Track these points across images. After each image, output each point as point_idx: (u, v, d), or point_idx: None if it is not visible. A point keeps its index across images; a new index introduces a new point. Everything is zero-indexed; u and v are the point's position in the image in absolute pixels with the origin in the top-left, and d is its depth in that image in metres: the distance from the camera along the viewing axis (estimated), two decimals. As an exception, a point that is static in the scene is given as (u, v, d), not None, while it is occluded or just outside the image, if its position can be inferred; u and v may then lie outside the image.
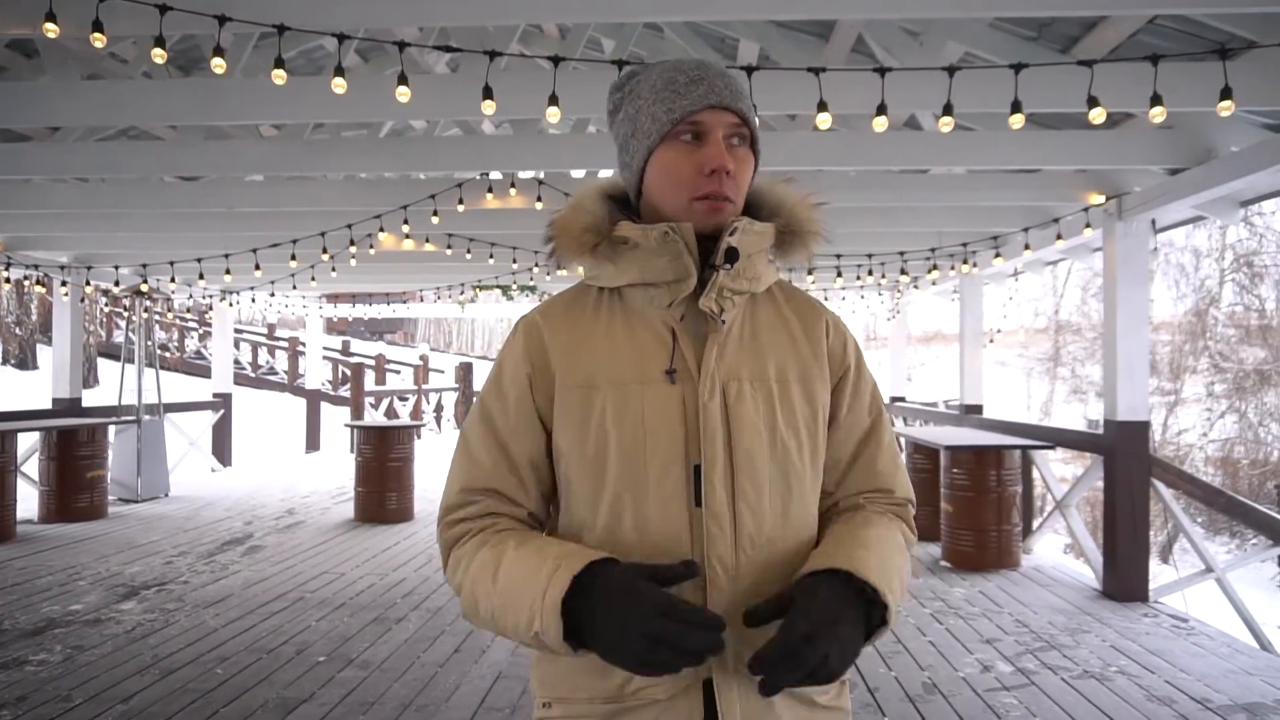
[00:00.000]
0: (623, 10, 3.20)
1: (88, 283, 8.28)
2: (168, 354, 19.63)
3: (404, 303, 13.71)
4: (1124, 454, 5.20)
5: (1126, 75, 3.46)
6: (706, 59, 1.16)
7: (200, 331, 20.20)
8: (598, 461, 1.08)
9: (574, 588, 0.97)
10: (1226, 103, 2.74)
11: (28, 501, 7.84)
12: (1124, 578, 5.18)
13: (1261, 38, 3.52)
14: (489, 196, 5.56)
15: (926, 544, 6.74)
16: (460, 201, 5.60)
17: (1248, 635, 4.82)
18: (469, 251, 7.13)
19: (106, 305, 12.34)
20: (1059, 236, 5.86)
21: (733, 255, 1.09)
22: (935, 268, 7.27)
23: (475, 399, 1.20)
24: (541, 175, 5.57)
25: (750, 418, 1.09)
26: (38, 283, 8.18)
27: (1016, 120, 2.88)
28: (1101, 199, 5.31)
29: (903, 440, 7.42)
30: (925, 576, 5.75)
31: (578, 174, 5.72)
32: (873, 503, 1.20)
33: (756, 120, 1.15)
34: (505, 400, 1.15)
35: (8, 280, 7.87)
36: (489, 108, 2.93)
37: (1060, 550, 7.35)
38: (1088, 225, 5.42)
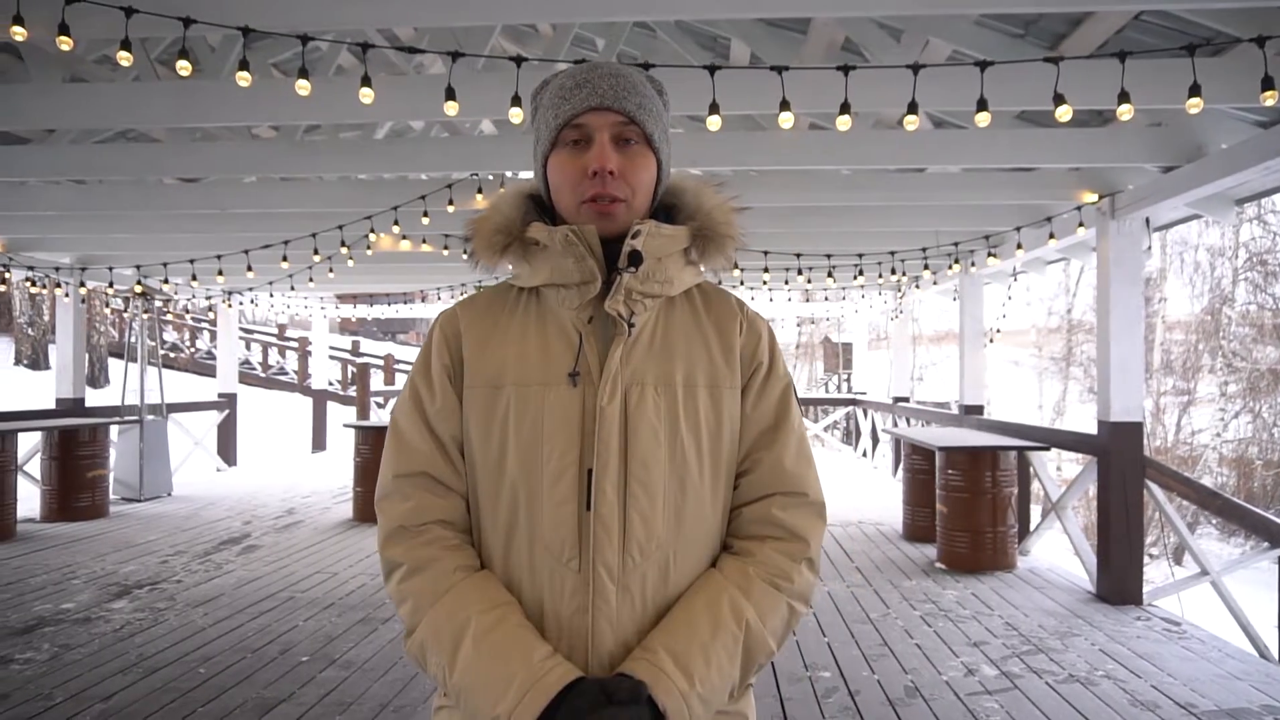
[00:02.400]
0: (576, 10, 3.18)
1: (82, 284, 8.34)
2: (180, 354, 19.80)
3: (410, 303, 13.75)
4: (1118, 455, 5.14)
5: (1112, 72, 3.42)
6: (624, 65, 1.16)
7: (211, 331, 20.33)
8: (498, 461, 1.09)
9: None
10: (1196, 100, 2.70)
11: (30, 501, 7.92)
12: (1117, 580, 5.13)
13: (1246, 34, 3.46)
14: (479, 197, 5.56)
15: (922, 545, 6.70)
16: (450, 202, 5.61)
17: (1245, 640, 4.76)
18: (465, 252, 7.14)
19: (113, 306, 12.45)
20: (1052, 235, 5.80)
21: (636, 259, 1.08)
22: (927, 267, 7.22)
23: (405, 385, 1.21)
24: (530, 175, 5.57)
25: (650, 422, 1.07)
26: (36, 283, 8.25)
27: (983, 119, 2.85)
28: (1094, 197, 5.25)
29: (901, 441, 7.37)
30: (919, 578, 5.71)
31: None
32: (771, 539, 1.13)
33: (656, 117, 1.14)
34: (430, 386, 1.16)
35: (4, 281, 7.93)
36: (452, 108, 2.93)
37: (1062, 552, 7.28)
38: (1081, 224, 5.37)
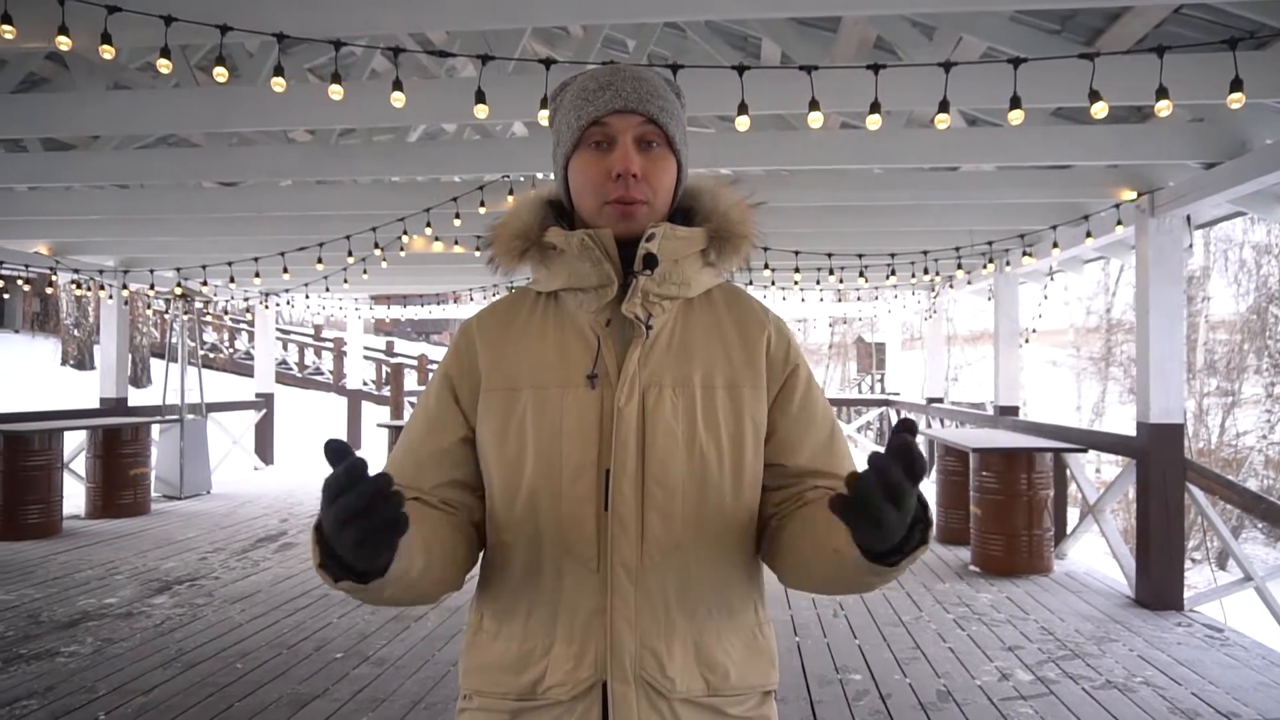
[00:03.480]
0: (606, 12, 3.19)
1: (125, 286, 8.53)
2: (219, 354, 20.17)
3: (443, 304, 13.88)
4: (1158, 458, 5.04)
5: (1151, 67, 3.35)
6: (635, 65, 1.16)
7: (249, 332, 20.68)
8: (516, 463, 1.09)
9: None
10: (1238, 94, 2.64)
11: (75, 498, 8.12)
12: (1157, 585, 5.02)
13: (1291, 26, 3.39)
14: (510, 199, 5.60)
15: (955, 548, 6.62)
16: (482, 204, 5.66)
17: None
18: (486, 259, 7.20)
19: (154, 308, 12.74)
20: (1089, 234, 5.70)
21: (652, 261, 1.08)
22: (960, 266, 7.13)
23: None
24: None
25: (667, 423, 1.07)
26: (81, 286, 8.45)
27: (1016, 116, 2.81)
28: (1133, 195, 5.15)
29: (934, 442, 7.29)
30: (952, 581, 5.65)
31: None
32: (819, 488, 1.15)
33: (677, 120, 1.14)
34: (427, 399, 1.19)
35: (51, 285, 8.14)
36: (482, 111, 2.95)
37: (1100, 556, 7.15)
38: (1119, 222, 5.27)
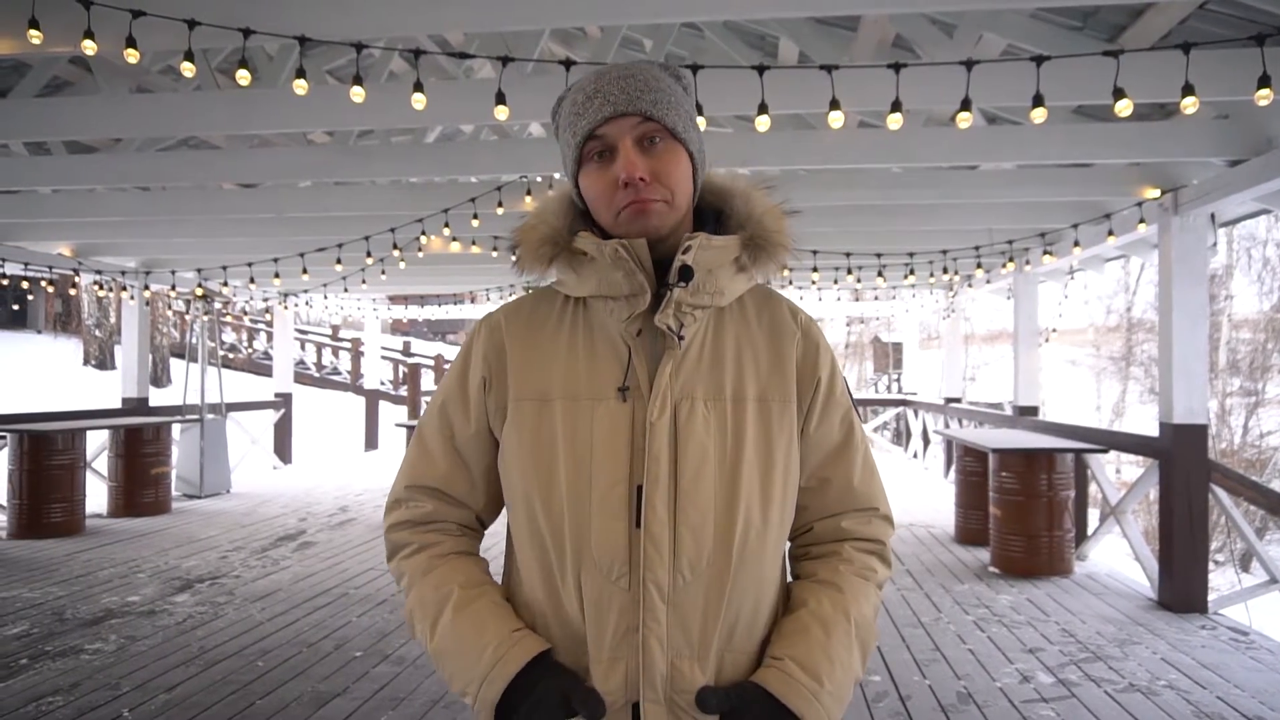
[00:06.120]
0: (624, 13, 3.19)
1: (146, 287, 8.61)
2: (238, 354, 20.32)
3: (460, 304, 13.93)
4: (1181, 458, 4.98)
5: (1175, 64, 3.32)
6: (625, 63, 1.12)
7: (268, 332, 20.83)
8: (547, 475, 1.07)
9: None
10: (1265, 90, 2.61)
11: (98, 497, 8.21)
12: (1180, 587, 4.97)
13: (1318, 21, 3.34)
14: (528, 199, 5.61)
15: (974, 549, 6.57)
16: (500, 205, 5.67)
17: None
18: (513, 260, 7.22)
19: (175, 308, 12.86)
20: (1111, 233, 5.64)
21: (687, 274, 1.06)
22: (980, 265, 7.08)
23: (438, 390, 1.22)
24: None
25: (699, 438, 1.06)
26: (103, 286, 8.54)
27: (1039, 114, 2.79)
28: (1156, 193, 5.10)
29: (953, 443, 7.24)
30: (971, 582, 5.61)
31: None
32: (849, 540, 1.17)
33: (677, 108, 1.08)
34: (465, 404, 1.16)
35: (73, 286, 8.23)
36: (502, 113, 2.96)
37: (1121, 557, 7.08)
38: (1142, 220, 5.21)
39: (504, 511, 1.21)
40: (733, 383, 1.10)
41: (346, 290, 10.45)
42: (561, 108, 1.13)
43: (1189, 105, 2.67)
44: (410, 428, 8.05)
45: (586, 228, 1.12)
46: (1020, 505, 5.78)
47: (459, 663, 1.06)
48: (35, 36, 2.78)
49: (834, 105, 3.00)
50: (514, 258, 1.17)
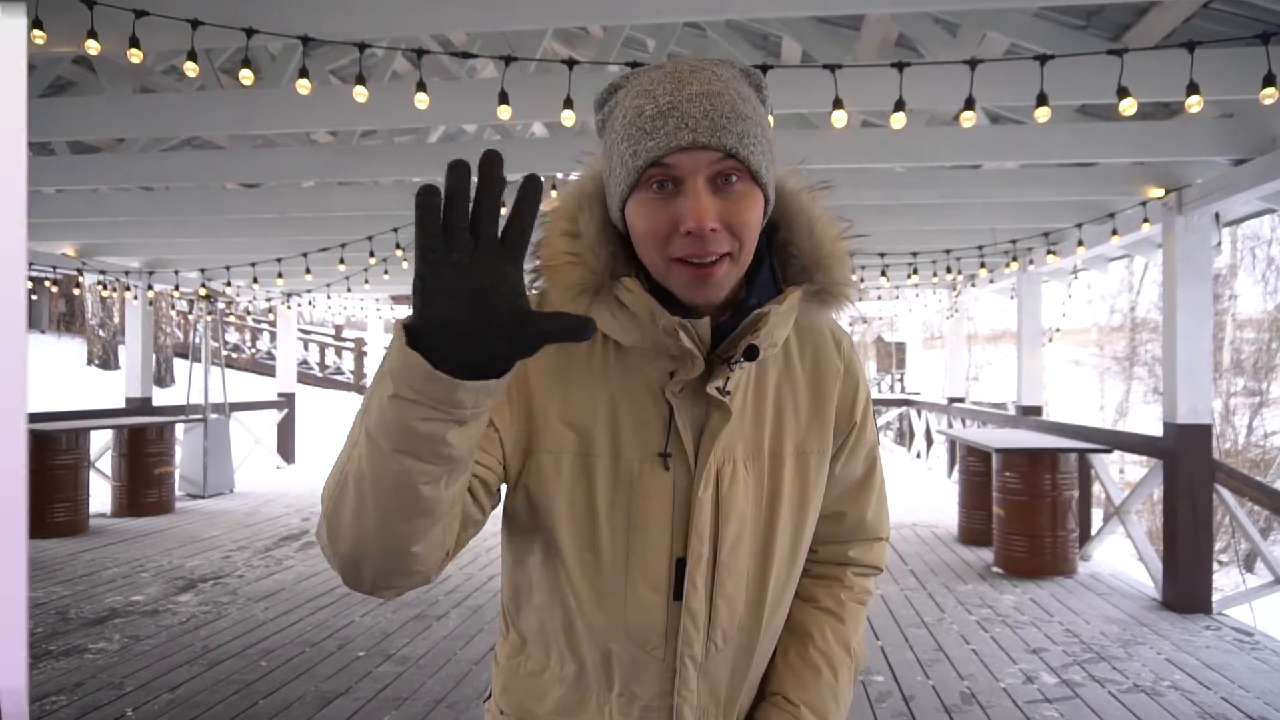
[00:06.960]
0: (626, 12, 3.19)
1: (150, 287, 8.63)
2: (241, 354, 20.36)
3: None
4: (1185, 459, 4.97)
5: (1179, 63, 3.31)
6: (699, 66, 0.91)
7: (271, 332, 20.86)
8: (587, 532, 0.99)
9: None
10: (1270, 89, 2.60)
11: (101, 496, 8.22)
12: (1185, 587, 4.96)
13: (1323, 20, 3.33)
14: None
15: (977, 549, 6.57)
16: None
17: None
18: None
19: (178, 308, 12.90)
20: (1115, 232, 5.63)
21: (753, 354, 0.93)
22: (983, 265, 7.07)
23: None
24: (578, 175, 5.61)
25: (740, 506, 0.99)
26: (107, 286, 8.56)
27: (1043, 113, 2.78)
28: (1160, 192, 5.09)
29: (956, 443, 7.23)
30: (975, 582, 5.60)
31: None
32: (853, 566, 1.17)
33: (760, 141, 0.92)
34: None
35: (77, 286, 8.25)
36: (505, 112, 2.96)
37: (1125, 557, 7.07)
38: (1146, 220, 5.20)
39: (501, 514, 1.09)
40: (771, 437, 1.02)
41: (350, 290, 10.45)
42: (615, 107, 0.94)
43: (1193, 104, 2.67)
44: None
45: (627, 261, 0.95)
46: (1024, 505, 5.78)
47: (378, 389, 0.77)
48: (39, 37, 2.79)
49: (837, 104, 2.99)
50: (534, 290, 0.98)
